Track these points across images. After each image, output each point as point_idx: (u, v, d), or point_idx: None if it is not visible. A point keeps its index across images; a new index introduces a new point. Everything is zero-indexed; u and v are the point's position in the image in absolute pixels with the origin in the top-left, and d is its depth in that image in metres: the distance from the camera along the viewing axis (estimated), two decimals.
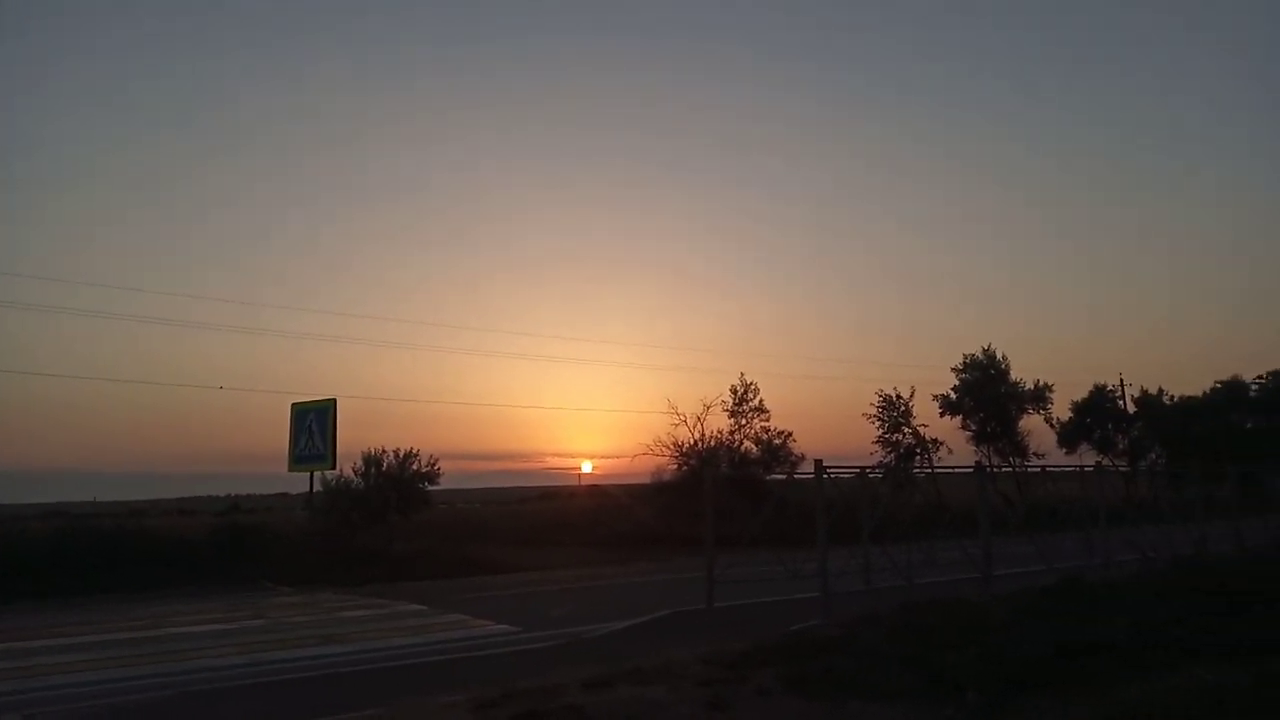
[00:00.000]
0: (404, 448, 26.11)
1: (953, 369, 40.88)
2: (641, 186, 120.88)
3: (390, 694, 8.03)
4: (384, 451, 25.89)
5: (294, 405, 22.85)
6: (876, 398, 38.38)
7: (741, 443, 32.77)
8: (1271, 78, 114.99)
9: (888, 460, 36.65)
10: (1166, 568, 13.95)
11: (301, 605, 15.73)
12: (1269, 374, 46.40)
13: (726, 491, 24.48)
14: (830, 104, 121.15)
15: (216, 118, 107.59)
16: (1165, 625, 9.22)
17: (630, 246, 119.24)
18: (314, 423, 22.11)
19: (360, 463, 25.54)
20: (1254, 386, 46.43)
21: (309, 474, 22.93)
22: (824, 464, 12.52)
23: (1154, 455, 44.41)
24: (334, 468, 23.18)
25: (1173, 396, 45.45)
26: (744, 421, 32.92)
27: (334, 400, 22.38)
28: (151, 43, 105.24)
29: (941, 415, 40.24)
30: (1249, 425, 45.28)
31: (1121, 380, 46.11)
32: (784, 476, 28.60)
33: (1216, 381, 46.81)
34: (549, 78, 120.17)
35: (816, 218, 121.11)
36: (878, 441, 38.21)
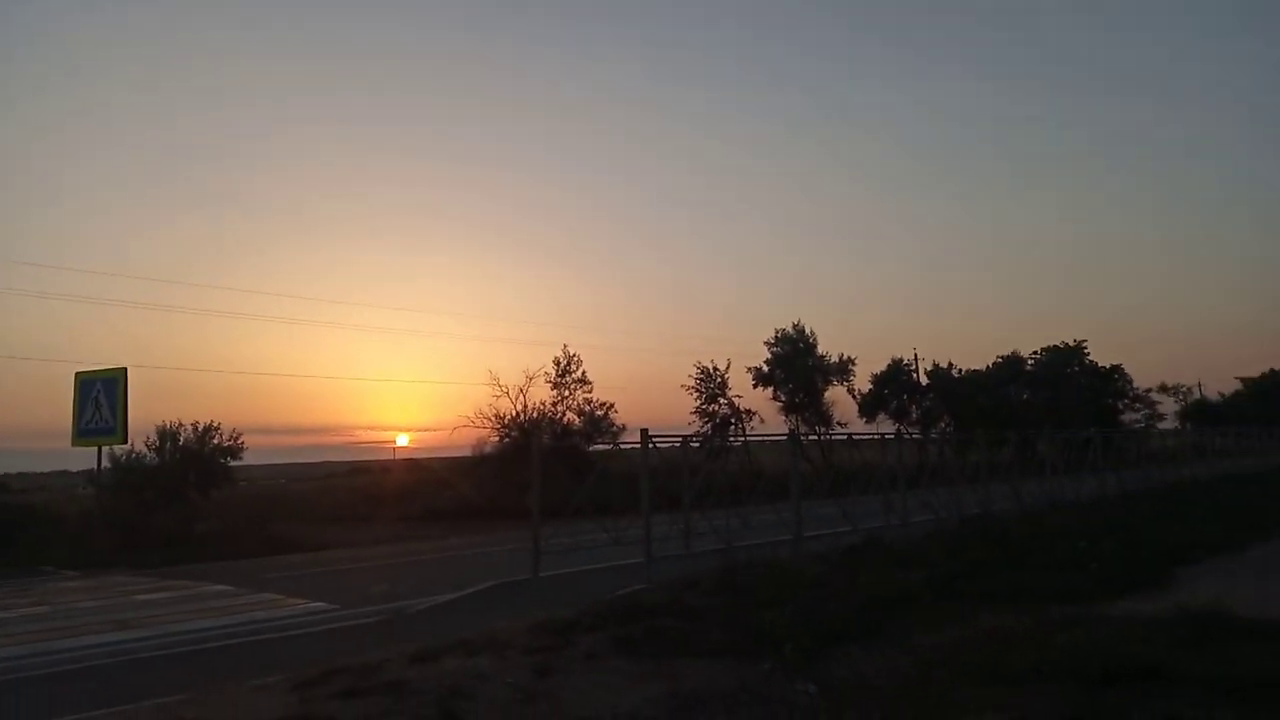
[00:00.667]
0: (203, 421, 24.70)
1: (765, 343, 42.68)
2: (459, 153, 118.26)
3: (198, 678, 7.53)
4: (181, 425, 24.40)
5: (78, 374, 20.98)
6: (695, 370, 39.57)
7: (564, 414, 32.90)
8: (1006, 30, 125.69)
9: (705, 430, 37.84)
10: (957, 526, 15.16)
11: (90, 589, 14.55)
12: (1043, 349, 51.06)
13: (551, 462, 24.54)
14: (643, 73, 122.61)
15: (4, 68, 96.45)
16: (957, 577, 10.04)
17: (447, 214, 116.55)
18: (101, 393, 20.39)
19: (154, 437, 23.95)
20: (1030, 361, 50.95)
21: (96, 449, 21.16)
22: (649, 433, 12.76)
23: (944, 424, 47.93)
24: (125, 442, 21.52)
25: (960, 370, 49.15)
26: (567, 393, 33.04)
27: (124, 369, 20.71)
28: None
29: (755, 387, 41.98)
30: (1026, 396, 49.68)
31: (915, 354, 49.54)
32: (609, 446, 29.01)
33: (999, 356, 51.10)
34: (359, 32, 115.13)
35: (638, 192, 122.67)
36: (695, 412, 39.48)
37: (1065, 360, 49.71)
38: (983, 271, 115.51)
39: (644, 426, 12.80)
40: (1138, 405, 52.12)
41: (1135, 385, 51.55)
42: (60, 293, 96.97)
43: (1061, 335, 52.55)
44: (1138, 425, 48.55)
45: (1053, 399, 46.54)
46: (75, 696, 7.24)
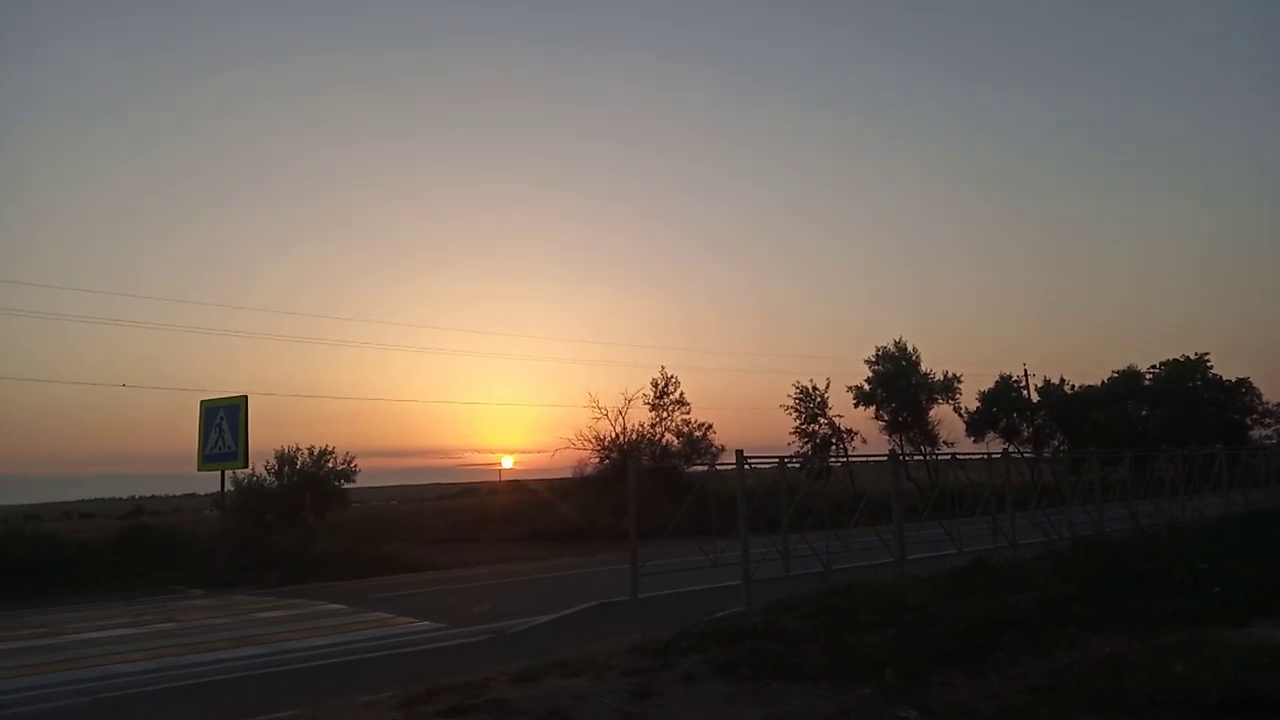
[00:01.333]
0: (318, 445, 25.68)
1: (866, 361, 42.00)
2: (559, 180, 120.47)
3: (311, 694, 7.86)
4: (298, 449, 25.41)
5: (203, 402, 22.16)
6: (794, 389, 39.19)
7: (663, 435, 33.07)
8: (1162, 74, 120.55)
9: (805, 450, 37.40)
10: (1068, 547, 14.59)
11: (214, 608, 15.30)
12: (1161, 364, 48.72)
13: (649, 483, 24.64)
14: (743, 104, 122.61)
15: (120, 112, 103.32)
16: (1067, 601, 9.67)
17: (550, 240, 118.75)
18: (224, 420, 21.47)
19: (273, 461, 25.00)
20: (1148, 376, 48.67)
21: (219, 473, 22.28)
22: (745, 454, 12.72)
23: (1056, 442, 46.16)
24: (246, 466, 22.57)
25: (1073, 386, 47.28)
26: (665, 414, 33.22)
27: (245, 397, 21.77)
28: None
29: (856, 406, 41.31)
30: (1144, 413, 47.45)
31: (1025, 370, 47.91)
32: (705, 468, 28.96)
33: (1114, 371, 48.99)
34: (461, 65, 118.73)
35: (733, 213, 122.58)
36: (795, 432, 39.09)
37: (1187, 374, 47.31)
38: (1098, 284, 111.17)
39: (741, 448, 12.77)
40: (1268, 420, 49.09)
41: (1265, 399, 48.69)
42: (185, 325, 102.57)
43: (1183, 348, 50.06)
44: (1268, 441, 45.75)
45: (1173, 415, 44.31)
46: (194, 710, 7.65)
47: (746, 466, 12.68)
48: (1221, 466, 22.89)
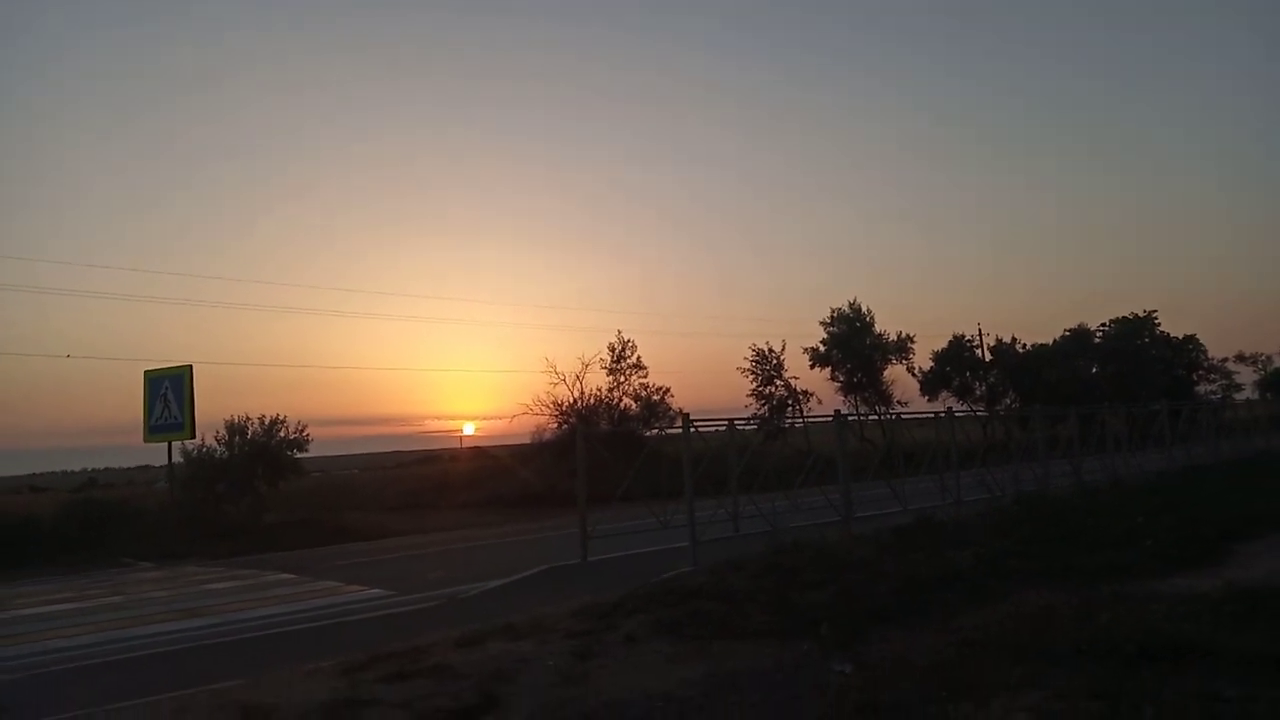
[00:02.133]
0: (270, 414, 25.38)
1: (821, 322, 42.33)
2: (511, 143, 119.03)
3: (257, 664, 7.86)
4: (248, 419, 25.09)
5: (146, 373, 21.76)
6: (750, 352, 39.42)
7: (621, 399, 33.10)
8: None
9: (762, 412, 37.72)
10: (1011, 504, 14.91)
11: (163, 580, 15.16)
12: (1111, 321, 49.64)
13: (606, 448, 24.71)
14: (695, 60, 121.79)
15: (58, 68, 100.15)
16: (1006, 556, 9.90)
17: (504, 204, 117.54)
18: (169, 390, 21.12)
19: (223, 431, 24.68)
20: (1098, 334, 49.55)
21: (167, 444, 21.95)
22: (691, 418, 12.82)
23: (1009, 400, 46.96)
24: (194, 437, 22.26)
25: (1025, 345, 48.04)
26: (622, 379, 33.26)
27: (189, 366, 21.43)
28: None
29: (812, 367, 41.72)
30: (1094, 370, 48.35)
31: (979, 330, 48.56)
32: (657, 432, 29.09)
33: (1065, 330, 49.82)
34: (413, 25, 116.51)
35: (686, 176, 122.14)
36: (752, 394, 39.35)
37: (1135, 332, 48.29)
38: (1046, 243, 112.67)
39: (699, 410, 12.96)
40: (1213, 376, 50.48)
41: (1210, 355, 49.93)
42: (136, 294, 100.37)
43: (1131, 306, 51.11)
44: (1213, 397, 46.97)
45: (1123, 372, 45.25)
46: (141, 681, 7.58)
47: (693, 430, 12.76)
48: (1165, 422, 23.47)
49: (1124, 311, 49.53)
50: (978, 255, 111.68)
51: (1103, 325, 49.78)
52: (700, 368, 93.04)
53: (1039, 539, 10.95)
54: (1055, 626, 6.79)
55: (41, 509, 22.30)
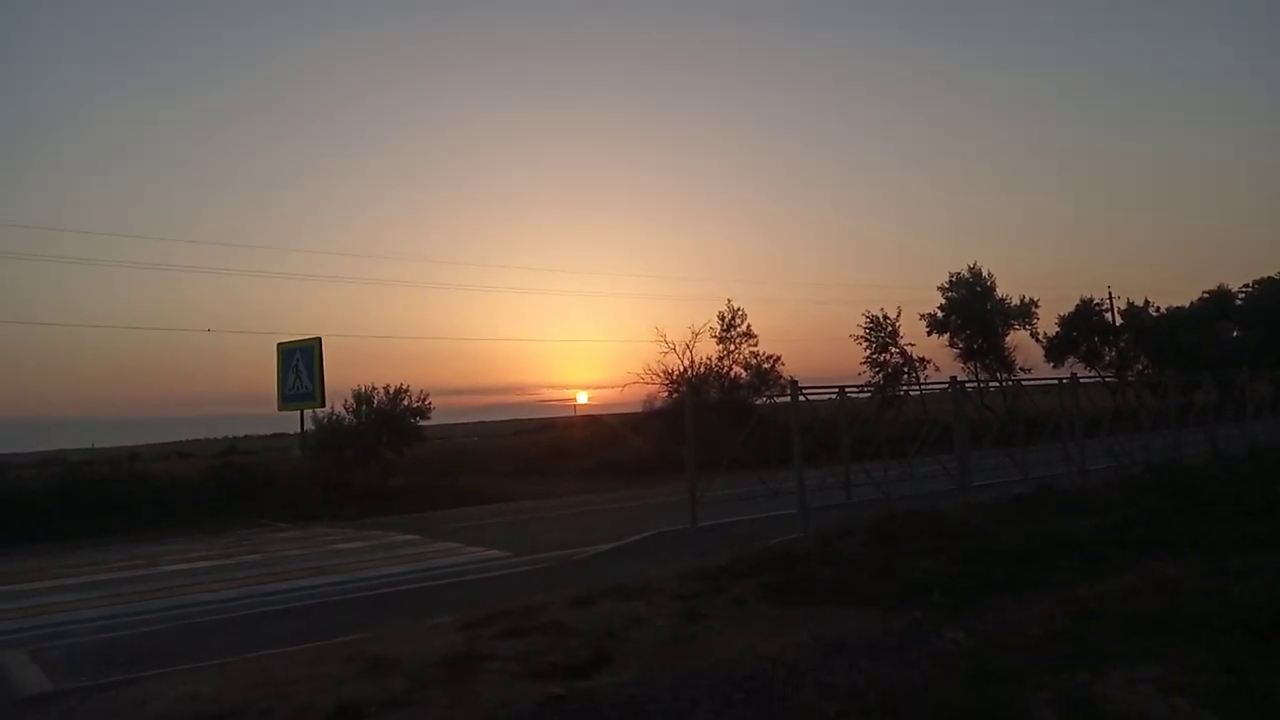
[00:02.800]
0: (394, 384, 26.34)
1: (939, 288, 41.07)
2: (622, 114, 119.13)
3: (381, 619, 8.28)
4: (374, 388, 26.11)
5: (279, 345, 22.91)
6: (864, 319, 38.64)
7: (731, 368, 33.07)
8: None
9: (876, 379, 37.00)
10: (1139, 473, 14.27)
11: (297, 540, 16.05)
12: (1254, 283, 46.49)
13: (715, 416, 24.74)
14: (813, 26, 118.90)
15: (190, 56, 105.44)
16: (1130, 525, 9.52)
17: (615, 175, 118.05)
18: (300, 361, 22.20)
19: (351, 400, 25.77)
20: (1240, 296, 46.56)
21: (299, 413, 23.10)
22: (800, 385, 12.72)
23: (1140, 367, 44.71)
24: (323, 405, 23.35)
25: (1159, 308, 45.48)
26: (733, 347, 33.20)
27: (319, 339, 22.44)
28: None
29: (929, 334, 40.56)
30: (1235, 334, 45.52)
31: (1110, 293, 46.23)
32: (767, 399, 28.94)
33: (1204, 292, 46.91)
34: (521, 8, 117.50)
35: (799, 141, 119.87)
36: (865, 362, 38.60)
37: None
38: (1183, 201, 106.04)
39: (810, 378, 12.82)
40: None
41: None
42: (269, 271, 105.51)
43: (1277, 266, 47.77)
44: None
45: (1270, 336, 42.36)
46: (276, 633, 8.09)
47: (802, 397, 12.67)
48: None
49: (1270, 271, 46.31)
50: (1106, 215, 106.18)
51: (1245, 286, 46.71)
52: (813, 335, 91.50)
53: (1167, 509, 10.48)
54: (1181, 598, 6.53)
55: (187, 473, 23.77)
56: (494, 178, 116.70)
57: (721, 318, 33.33)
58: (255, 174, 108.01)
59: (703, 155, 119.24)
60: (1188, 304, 46.21)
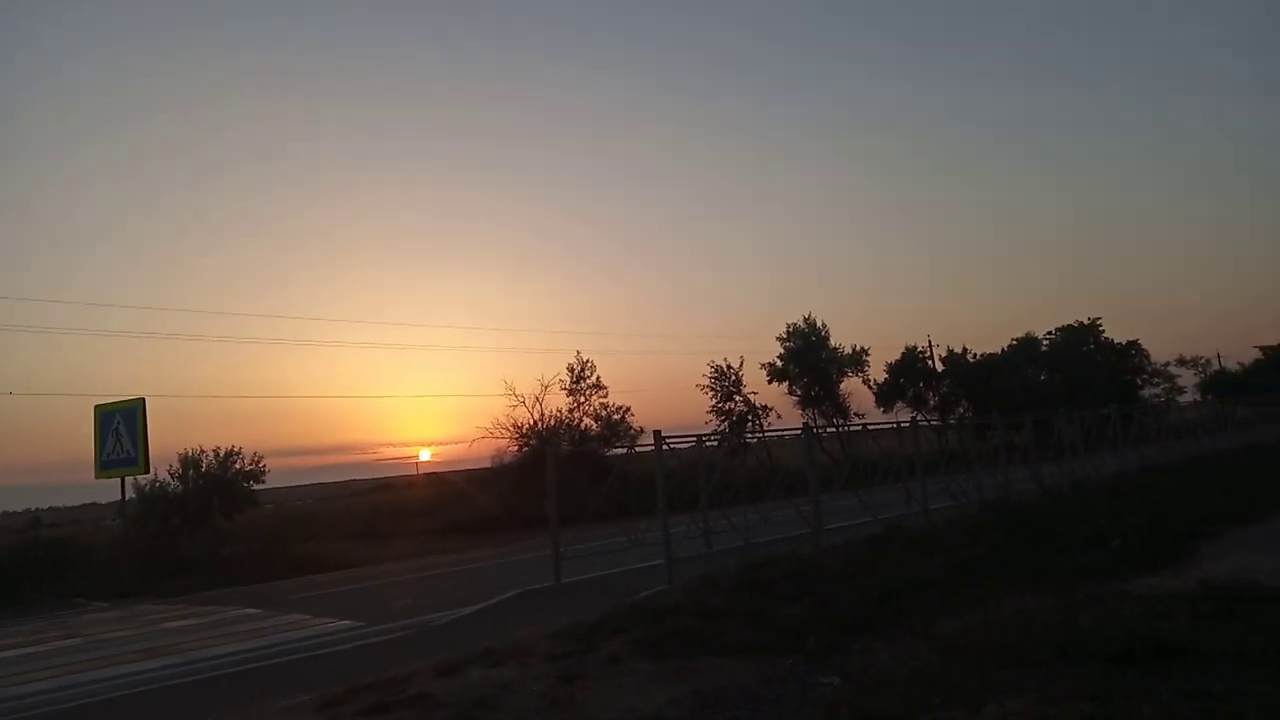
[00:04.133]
0: (224, 446, 24.87)
1: (777, 338, 42.55)
2: (460, 168, 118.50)
3: (227, 702, 7.62)
4: (202, 451, 24.57)
5: (98, 407, 21.20)
6: (708, 369, 39.53)
7: (581, 420, 32.97)
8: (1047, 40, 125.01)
9: (722, 428, 37.77)
10: (977, 510, 15.09)
11: (120, 620, 14.68)
12: (1057, 329, 50.71)
13: (570, 468, 24.56)
14: (640, 83, 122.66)
15: (6, 98, 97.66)
16: (977, 562, 10.01)
17: (454, 228, 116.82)
18: (121, 424, 20.59)
19: (177, 465, 24.13)
20: (1045, 342, 50.59)
21: (120, 480, 21.36)
22: (662, 434, 12.78)
23: (962, 409, 47.63)
24: (147, 471, 21.69)
25: (975, 354, 48.78)
26: (583, 399, 33.16)
27: (142, 399, 20.90)
28: None
29: (770, 382, 41.86)
30: (1043, 377, 49.32)
31: (930, 341, 49.26)
32: (625, 450, 29.02)
33: (1013, 339, 50.74)
34: (363, 56, 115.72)
35: (643, 194, 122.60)
36: (712, 411, 39.37)
37: (1081, 339, 49.39)
38: (992, 255, 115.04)
39: (660, 428, 12.83)
40: (1156, 380, 51.88)
41: (1153, 360, 51.26)
42: (79, 327, 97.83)
43: (1075, 314, 52.37)
44: (1158, 400, 48.14)
45: (1070, 378, 46.16)
46: None
47: (665, 447, 12.73)
48: (1116, 426, 23.98)
49: (1069, 320, 50.71)
50: (927, 267, 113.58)
51: (1049, 333, 50.87)
52: (659, 385, 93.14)
53: (1008, 544, 11.09)
54: (1035, 631, 6.85)
55: None
56: (331, 229, 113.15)
57: (571, 370, 33.35)
58: (72, 225, 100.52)
59: (544, 205, 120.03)
60: (1000, 350, 49.80)
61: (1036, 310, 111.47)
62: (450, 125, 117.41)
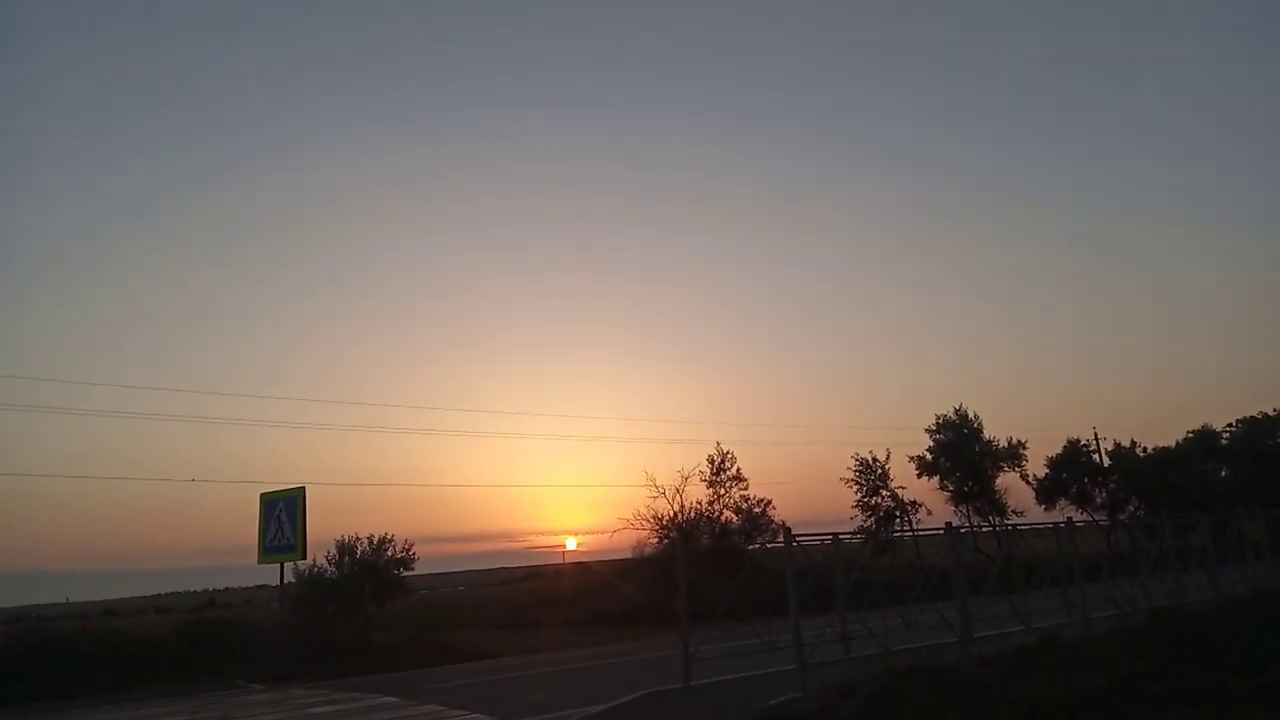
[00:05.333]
0: (377, 533, 25.81)
1: (926, 429, 41.18)
2: (605, 258, 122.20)
3: None
4: (357, 538, 25.56)
5: (262, 495, 22.54)
6: (853, 461, 38.51)
7: (721, 513, 32.63)
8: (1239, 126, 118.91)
9: (868, 524, 36.57)
10: (1143, 620, 13.88)
11: (270, 703, 15.29)
12: (1238, 421, 46.86)
13: (706, 563, 24.24)
14: (794, 169, 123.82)
15: (168, 203, 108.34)
16: (1139, 679, 9.17)
17: (601, 319, 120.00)
18: (283, 512, 21.78)
19: (333, 551, 25.17)
20: (1225, 435, 46.84)
21: (280, 565, 22.51)
22: (794, 532, 12.48)
23: (1132, 508, 44.47)
24: (304, 558, 22.75)
25: (1146, 448, 45.69)
26: (722, 491, 32.88)
27: (303, 488, 22.09)
28: (111, 123, 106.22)
29: (919, 476, 40.40)
30: (1223, 473, 45.55)
31: (1095, 434, 46.47)
32: (759, 546, 28.45)
33: (1189, 431, 47.19)
34: (515, 152, 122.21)
35: (787, 283, 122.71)
36: (857, 505, 38.24)
37: (1267, 431, 45.39)
38: (1160, 341, 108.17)
39: (802, 523, 12.62)
40: None
41: None
42: (249, 418, 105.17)
43: (1259, 405, 48.24)
44: None
45: (1255, 474, 42.38)
46: None
47: (796, 545, 12.41)
48: None
49: (1251, 411, 46.83)
50: (1090, 356, 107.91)
51: (1229, 425, 47.06)
52: (803, 478, 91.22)
53: (1177, 659, 10.12)
54: None
55: (162, 629, 22.96)
56: (478, 321, 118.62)
57: (711, 461, 33.19)
58: (234, 319, 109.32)
59: (690, 295, 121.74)
60: (1174, 444, 46.40)
61: (1214, 400, 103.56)
62: (594, 213, 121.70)
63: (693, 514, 32.18)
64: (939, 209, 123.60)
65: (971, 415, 40.63)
